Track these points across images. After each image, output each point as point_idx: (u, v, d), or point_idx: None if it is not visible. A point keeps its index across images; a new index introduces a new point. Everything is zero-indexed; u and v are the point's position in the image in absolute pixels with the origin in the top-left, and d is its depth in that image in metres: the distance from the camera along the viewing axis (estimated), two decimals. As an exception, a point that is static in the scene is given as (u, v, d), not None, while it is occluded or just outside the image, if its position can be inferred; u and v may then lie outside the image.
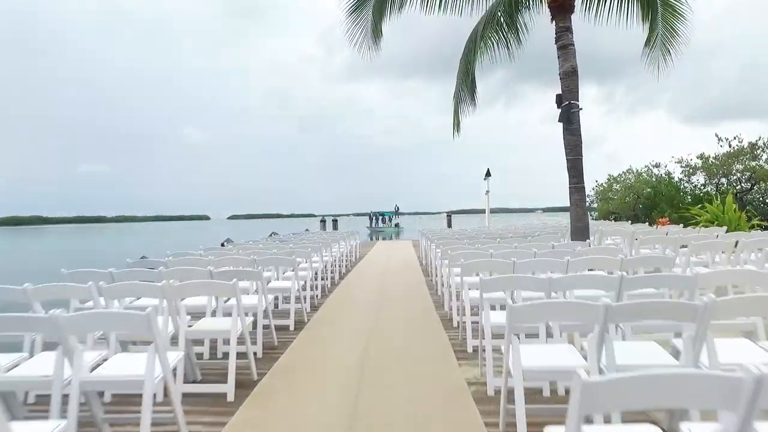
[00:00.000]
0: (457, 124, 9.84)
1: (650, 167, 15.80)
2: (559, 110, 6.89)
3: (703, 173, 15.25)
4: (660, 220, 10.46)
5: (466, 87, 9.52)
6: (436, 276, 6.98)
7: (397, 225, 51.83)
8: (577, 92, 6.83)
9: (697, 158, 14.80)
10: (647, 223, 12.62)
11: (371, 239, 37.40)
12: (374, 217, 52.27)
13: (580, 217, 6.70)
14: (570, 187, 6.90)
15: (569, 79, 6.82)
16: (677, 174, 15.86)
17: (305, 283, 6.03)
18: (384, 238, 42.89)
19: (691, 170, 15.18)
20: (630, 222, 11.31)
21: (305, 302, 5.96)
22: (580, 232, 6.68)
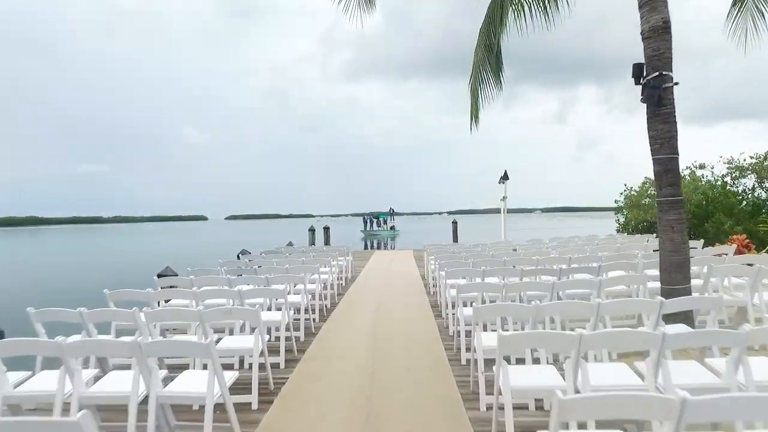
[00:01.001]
0: (475, 115, 7.55)
1: (693, 168, 13.51)
2: (642, 86, 4.60)
3: (754, 175, 13.00)
4: (735, 237, 8.20)
5: (489, 65, 7.25)
6: (456, 327, 4.74)
7: (392, 228, 49.36)
8: (671, 58, 4.53)
9: (751, 157, 12.56)
10: (699, 238, 10.41)
11: (366, 246, 34.99)
12: (369, 220, 49.65)
13: (677, 247, 4.39)
14: (659, 202, 4.59)
15: (658, 38, 4.51)
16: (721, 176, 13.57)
17: (260, 347, 3.75)
18: (379, 243, 40.25)
19: (740, 172, 12.93)
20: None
21: (254, 383, 3.67)
22: (677, 269, 4.38)
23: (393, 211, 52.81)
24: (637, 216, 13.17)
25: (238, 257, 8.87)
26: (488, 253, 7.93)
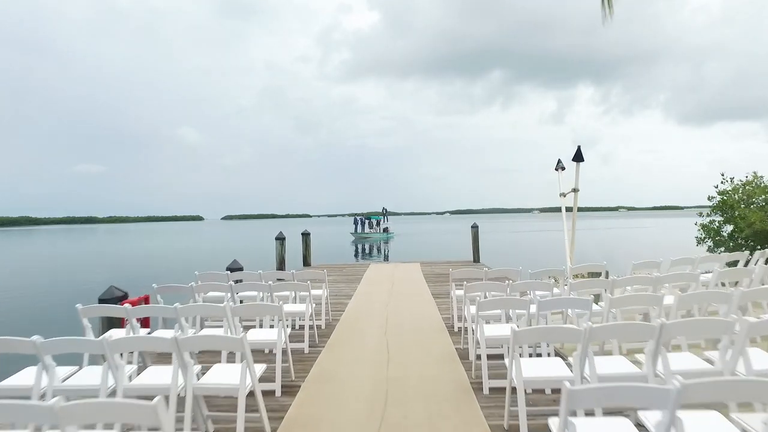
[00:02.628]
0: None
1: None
2: None
3: None
4: None
5: None
6: None
7: (386, 230, 45.06)
8: None
9: None
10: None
11: (357, 253, 30.44)
12: (360, 222, 44.92)
13: None
14: None
15: None
16: None
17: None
18: (371, 247, 35.55)
19: None
20: None
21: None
22: None
23: (386, 211, 47.58)
24: (762, 220, 8.86)
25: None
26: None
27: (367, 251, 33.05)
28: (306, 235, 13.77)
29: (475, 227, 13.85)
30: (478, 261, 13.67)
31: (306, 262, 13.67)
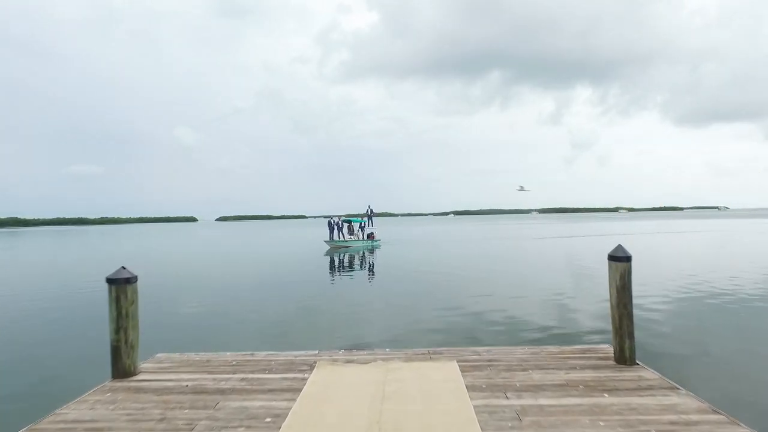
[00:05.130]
0: None
1: None
2: None
3: None
4: None
5: None
6: None
7: (370, 236, 35.68)
8: None
9: None
10: None
11: (331, 267, 21.16)
12: (336, 227, 34.56)
13: None
14: None
15: None
16: None
17: None
18: (351, 260, 24.97)
19: None
20: None
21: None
22: None
23: (371, 211, 37.74)
24: None
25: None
26: None
27: (345, 265, 23.38)
28: (121, 284, 4.58)
29: (624, 261, 4.65)
30: (634, 362, 4.55)
31: (123, 371, 4.50)
